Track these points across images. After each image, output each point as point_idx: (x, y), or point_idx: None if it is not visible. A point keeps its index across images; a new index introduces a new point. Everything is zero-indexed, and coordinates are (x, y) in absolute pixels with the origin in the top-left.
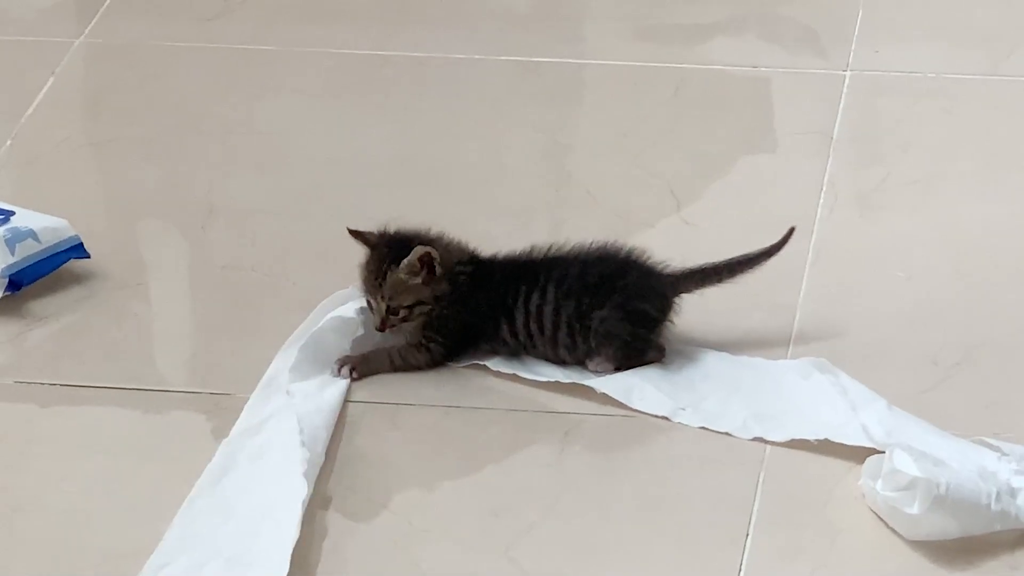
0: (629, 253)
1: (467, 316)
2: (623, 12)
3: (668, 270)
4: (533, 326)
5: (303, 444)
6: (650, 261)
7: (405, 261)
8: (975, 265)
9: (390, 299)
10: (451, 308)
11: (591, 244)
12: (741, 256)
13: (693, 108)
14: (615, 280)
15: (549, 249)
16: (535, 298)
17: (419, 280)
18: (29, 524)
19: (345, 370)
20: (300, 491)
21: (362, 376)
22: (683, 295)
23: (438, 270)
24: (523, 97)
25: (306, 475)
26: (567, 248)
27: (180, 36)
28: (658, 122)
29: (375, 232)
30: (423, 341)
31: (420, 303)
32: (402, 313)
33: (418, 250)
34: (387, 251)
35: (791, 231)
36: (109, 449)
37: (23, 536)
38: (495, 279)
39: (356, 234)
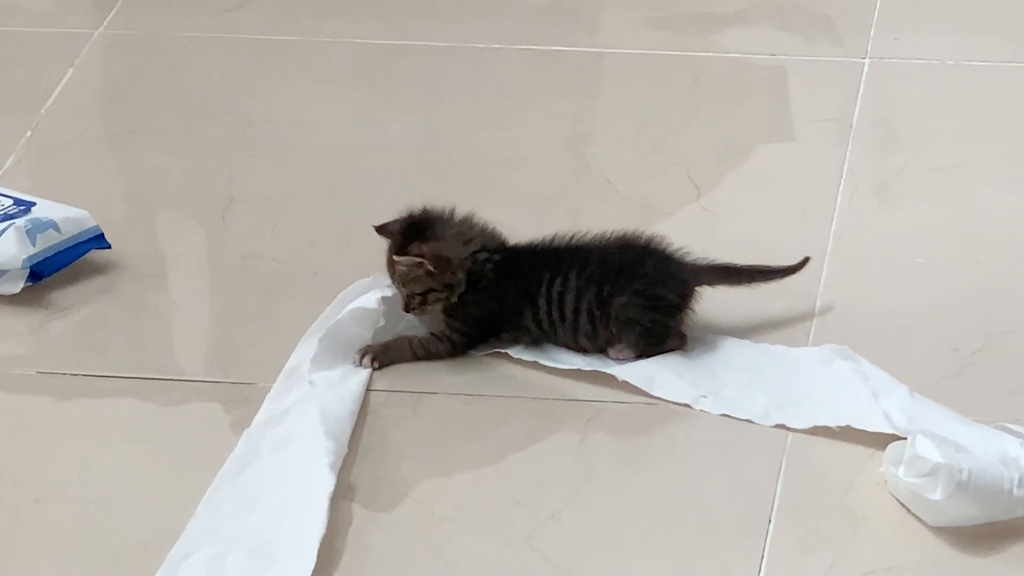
0: (649, 240)
1: (493, 304)
2: (641, 1)
3: (689, 258)
4: (555, 313)
5: (328, 435)
6: (670, 248)
7: (399, 260)
8: (995, 252)
9: (403, 286)
10: (478, 296)
11: (612, 232)
12: (762, 267)
13: (712, 96)
14: (635, 267)
15: (572, 237)
16: (557, 285)
17: (422, 272)
18: (51, 515)
19: (366, 359)
20: (326, 483)
21: (383, 365)
22: (702, 286)
23: (432, 270)
24: (542, 86)
25: (332, 466)
26: (589, 236)
27: (199, 27)
28: (677, 111)
29: (399, 218)
30: (446, 331)
31: (432, 291)
32: (418, 299)
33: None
34: (397, 240)
35: (806, 260)
36: (130, 439)
37: (45, 526)
38: (521, 267)
39: (380, 230)
